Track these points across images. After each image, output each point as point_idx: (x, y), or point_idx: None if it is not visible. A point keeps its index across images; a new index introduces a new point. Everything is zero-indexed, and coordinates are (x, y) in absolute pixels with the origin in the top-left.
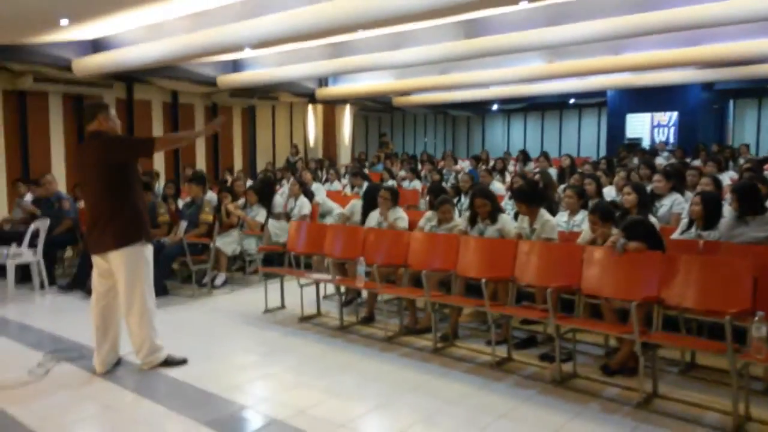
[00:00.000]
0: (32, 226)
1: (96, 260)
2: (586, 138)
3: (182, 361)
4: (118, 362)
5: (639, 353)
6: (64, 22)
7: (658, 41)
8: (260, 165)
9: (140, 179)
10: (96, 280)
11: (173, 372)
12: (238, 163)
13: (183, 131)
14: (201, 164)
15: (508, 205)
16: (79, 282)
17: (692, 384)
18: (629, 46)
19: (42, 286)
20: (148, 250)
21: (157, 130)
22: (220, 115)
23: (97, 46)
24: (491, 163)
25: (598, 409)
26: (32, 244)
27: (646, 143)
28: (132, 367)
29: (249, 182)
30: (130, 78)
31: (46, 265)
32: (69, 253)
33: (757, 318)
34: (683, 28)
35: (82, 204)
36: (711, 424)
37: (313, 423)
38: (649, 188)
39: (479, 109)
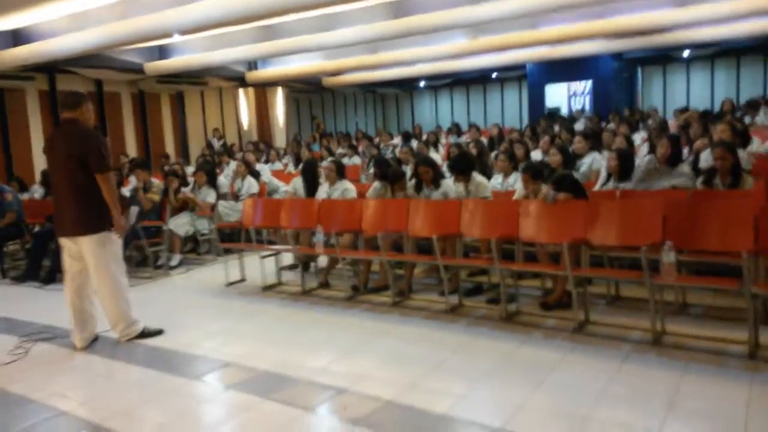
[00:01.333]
0: None
1: (65, 242)
2: (509, 109)
3: (158, 332)
4: (96, 338)
5: (572, 287)
6: None
7: (571, 16)
8: (192, 150)
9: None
10: (67, 262)
11: (152, 342)
12: (169, 149)
13: (113, 200)
14: (132, 151)
15: (447, 173)
16: (32, 272)
17: (618, 311)
18: (545, 21)
19: None
20: (115, 235)
21: None
22: (124, 222)
23: (17, 36)
24: (424, 137)
25: (541, 337)
26: None
27: (564, 111)
28: (110, 341)
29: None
30: (52, 69)
31: None
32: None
33: (666, 246)
34: (592, 3)
35: (36, 193)
36: (635, 340)
37: (295, 369)
38: (570, 149)
39: (407, 86)
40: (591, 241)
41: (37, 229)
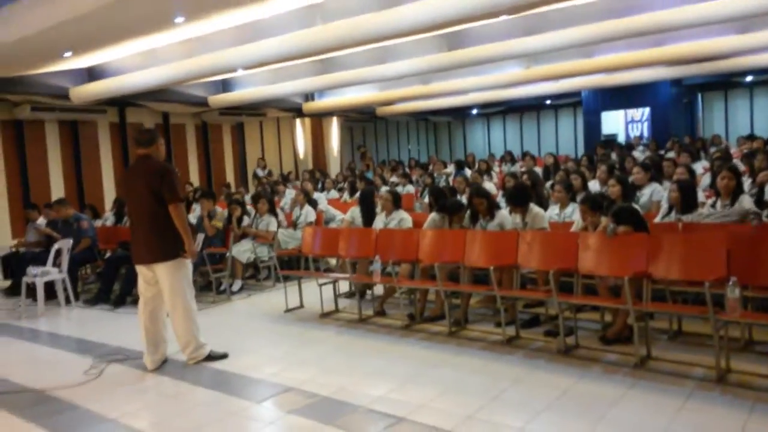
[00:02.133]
0: (55, 246)
1: (141, 269)
2: (564, 136)
3: (224, 356)
4: (165, 361)
5: (633, 321)
6: (67, 54)
7: (628, 43)
8: (251, 179)
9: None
10: (142, 286)
11: (217, 365)
12: (229, 178)
13: (184, 227)
14: (195, 179)
15: (502, 202)
16: (103, 296)
17: (680, 347)
18: (601, 49)
19: (68, 302)
20: (188, 261)
21: None
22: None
23: (92, 73)
24: (476, 166)
25: (601, 371)
26: (53, 264)
27: (621, 139)
28: (179, 363)
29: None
30: (122, 102)
31: (71, 282)
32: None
33: (731, 282)
34: (650, 32)
35: (107, 221)
36: (698, 378)
37: (354, 396)
38: (630, 180)
39: (459, 113)
40: (653, 274)
41: (108, 254)
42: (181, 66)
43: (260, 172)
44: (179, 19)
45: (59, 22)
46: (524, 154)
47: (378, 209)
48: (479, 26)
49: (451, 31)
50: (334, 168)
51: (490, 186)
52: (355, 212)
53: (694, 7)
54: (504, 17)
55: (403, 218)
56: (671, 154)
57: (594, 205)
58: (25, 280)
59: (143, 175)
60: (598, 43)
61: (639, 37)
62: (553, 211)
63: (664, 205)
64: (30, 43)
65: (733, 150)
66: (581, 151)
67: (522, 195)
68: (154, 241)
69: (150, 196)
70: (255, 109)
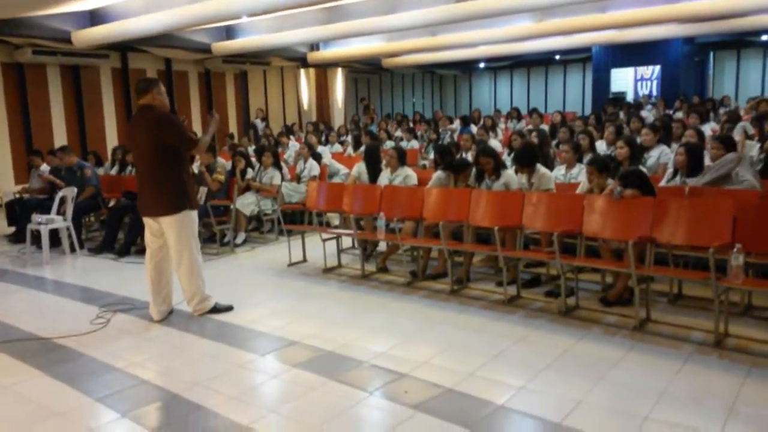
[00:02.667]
0: (59, 194)
1: (147, 221)
2: (572, 93)
3: (229, 308)
4: (171, 311)
5: (635, 285)
6: None
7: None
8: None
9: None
10: (149, 238)
11: (222, 317)
12: (232, 128)
13: (203, 136)
14: (197, 129)
15: (507, 160)
16: (108, 245)
17: (680, 310)
18: (614, 3)
19: (72, 250)
20: (194, 214)
21: None
22: (214, 113)
23: (95, 16)
24: (482, 122)
25: (600, 332)
26: (58, 211)
27: (630, 97)
28: (185, 314)
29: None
30: (125, 47)
31: (75, 230)
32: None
33: (735, 249)
34: None
35: (110, 170)
36: (696, 341)
37: (358, 351)
38: (638, 141)
39: (466, 67)
40: (657, 239)
41: (113, 203)
42: (185, 11)
43: (259, 124)
44: None
45: None
46: (531, 111)
47: (383, 165)
48: None
49: None
50: (338, 120)
51: (495, 143)
52: (361, 168)
53: None
54: None
55: (408, 175)
56: (679, 114)
57: (601, 167)
58: (30, 227)
59: (145, 127)
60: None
61: None
62: (560, 171)
63: (670, 168)
64: None
65: (743, 111)
66: (589, 108)
67: (529, 155)
68: (159, 194)
69: (153, 149)
70: (259, 57)
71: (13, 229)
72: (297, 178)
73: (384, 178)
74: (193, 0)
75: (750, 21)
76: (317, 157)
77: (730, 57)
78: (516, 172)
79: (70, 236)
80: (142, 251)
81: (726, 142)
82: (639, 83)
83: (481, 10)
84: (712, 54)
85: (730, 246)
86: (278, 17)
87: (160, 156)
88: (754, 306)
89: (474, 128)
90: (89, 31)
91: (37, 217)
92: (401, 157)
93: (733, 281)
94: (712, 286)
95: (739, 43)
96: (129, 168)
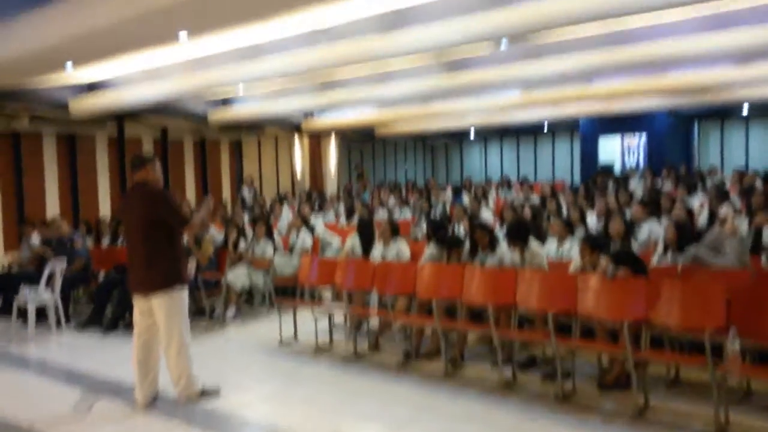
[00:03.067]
0: (48, 267)
1: (137, 300)
2: (560, 161)
3: (216, 391)
4: (157, 395)
5: (631, 370)
6: (68, 65)
7: (627, 72)
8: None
9: None
10: (137, 318)
11: (210, 402)
12: (226, 195)
13: (196, 217)
14: (190, 197)
15: (499, 232)
16: (95, 320)
17: (678, 396)
18: (600, 76)
19: (59, 325)
20: (185, 291)
21: None
22: (209, 197)
23: (93, 88)
24: (472, 190)
25: (599, 421)
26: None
27: (617, 166)
28: (170, 398)
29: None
30: (121, 116)
31: (62, 304)
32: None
33: (731, 334)
34: (648, 63)
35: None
36: (697, 430)
37: None
38: (628, 215)
39: (457, 136)
40: (652, 320)
41: (102, 276)
42: (182, 81)
43: (246, 193)
44: (182, 32)
45: (62, 40)
46: (521, 181)
47: (376, 237)
48: (479, 52)
49: (452, 56)
50: (331, 187)
51: (487, 214)
52: (354, 240)
53: (693, 40)
54: (503, 45)
55: (401, 249)
56: (667, 184)
57: (594, 244)
58: (16, 303)
59: (138, 202)
60: (597, 72)
61: (637, 67)
62: (552, 245)
63: (660, 246)
64: (31, 56)
65: (729, 184)
66: (578, 175)
67: (522, 231)
68: (151, 271)
69: (146, 225)
70: (254, 126)
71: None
72: (290, 250)
73: (377, 252)
74: (191, 71)
75: (732, 94)
76: (310, 229)
77: (714, 127)
78: (508, 245)
79: (57, 311)
80: (130, 326)
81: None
82: (626, 153)
83: (471, 83)
84: (696, 124)
85: (725, 329)
86: (273, 88)
87: (152, 232)
88: (753, 392)
89: (466, 198)
90: (87, 100)
91: (24, 292)
92: (394, 230)
93: (731, 368)
94: (709, 372)
95: (723, 113)
96: (120, 240)
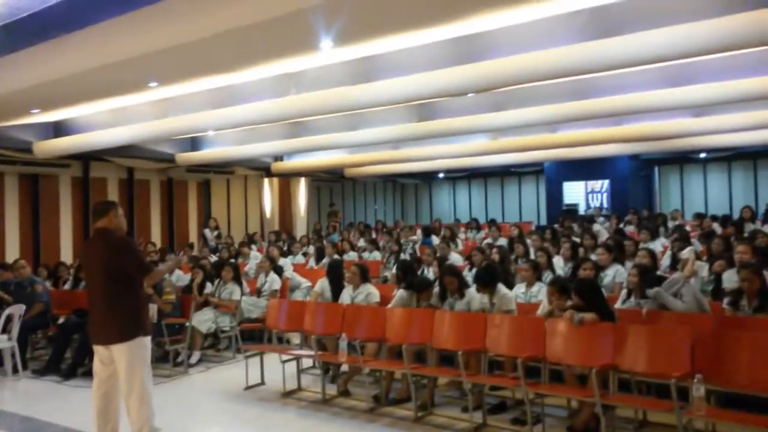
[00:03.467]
0: (5, 312)
1: (97, 349)
2: (527, 203)
3: None
4: None
5: (600, 414)
6: (35, 111)
7: (589, 121)
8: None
9: None
10: (98, 366)
11: None
12: (193, 237)
13: (160, 268)
14: (156, 238)
15: (468, 275)
16: (54, 366)
17: None
18: (564, 125)
19: (15, 371)
20: (147, 340)
21: None
22: (181, 255)
23: (58, 128)
24: (441, 232)
25: None
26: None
27: (582, 208)
28: None
29: (212, 257)
30: (87, 157)
31: (20, 350)
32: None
33: (696, 380)
34: (610, 114)
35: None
36: None
37: None
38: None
39: (426, 177)
40: (619, 366)
41: (62, 320)
42: (151, 125)
43: (208, 234)
44: (153, 84)
45: (29, 86)
46: (489, 223)
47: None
48: (449, 100)
49: (422, 103)
50: (300, 229)
51: (456, 257)
52: (324, 284)
53: (653, 93)
54: (471, 95)
55: (371, 293)
56: (630, 228)
57: (561, 288)
58: None
59: (101, 249)
60: (561, 122)
61: (599, 117)
62: (520, 289)
63: (624, 290)
64: None
65: (689, 227)
66: (544, 217)
67: (490, 276)
68: (111, 320)
69: (107, 273)
70: (223, 166)
71: None
72: (257, 292)
73: (346, 295)
74: (159, 115)
75: (690, 141)
76: (279, 271)
77: (674, 172)
78: (477, 290)
79: (13, 357)
80: (89, 373)
81: (757, 270)
82: (590, 195)
83: (440, 130)
84: (657, 169)
85: (691, 374)
86: (243, 130)
87: (114, 281)
88: None
89: (435, 239)
90: (52, 143)
91: None
92: (363, 274)
93: (696, 413)
94: (676, 416)
95: (682, 159)
96: (82, 283)
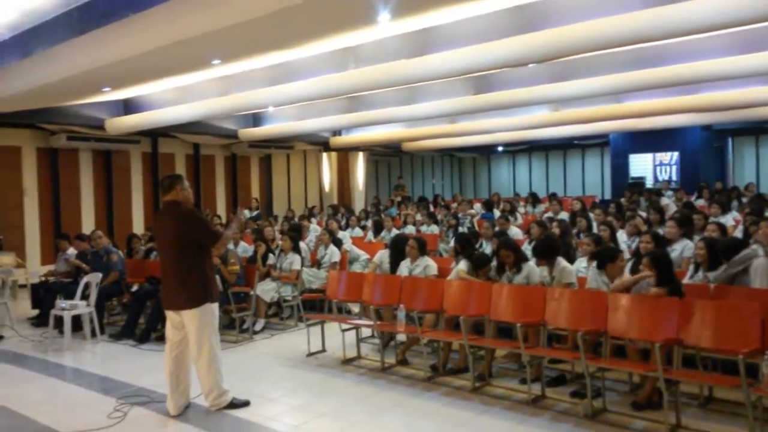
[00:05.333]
0: (84, 280)
1: (169, 314)
2: (590, 177)
3: (245, 404)
4: (188, 405)
5: (663, 389)
6: (106, 89)
7: (658, 90)
8: (276, 211)
9: None
10: (169, 331)
11: (240, 413)
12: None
13: (226, 232)
14: (221, 210)
15: (528, 249)
16: (129, 331)
17: (711, 416)
18: (630, 94)
19: (93, 335)
20: (215, 306)
21: None
22: (239, 210)
23: (128, 105)
24: (501, 206)
25: None
26: (81, 296)
27: (649, 181)
28: (201, 409)
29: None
30: (155, 133)
31: (97, 315)
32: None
33: (766, 356)
34: (679, 83)
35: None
36: None
37: None
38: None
39: (484, 150)
40: (684, 341)
41: (136, 287)
42: (214, 102)
43: (246, 214)
44: (216, 61)
45: (100, 65)
46: (550, 197)
47: None
48: (507, 71)
49: (479, 75)
50: (359, 202)
51: (515, 231)
52: (383, 256)
53: (724, 61)
54: (531, 65)
55: (428, 265)
56: (701, 202)
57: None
58: (53, 312)
59: (171, 222)
60: (627, 91)
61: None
62: (581, 263)
63: (692, 265)
64: (71, 80)
65: None
66: (608, 191)
67: (550, 248)
68: (182, 288)
69: (178, 244)
70: (283, 142)
71: (36, 311)
72: (317, 264)
73: (404, 268)
74: (222, 92)
75: (766, 110)
76: (338, 243)
77: (749, 143)
78: (537, 263)
79: (92, 321)
80: (162, 338)
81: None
82: (658, 168)
83: (498, 102)
84: (730, 140)
85: (760, 350)
86: (302, 106)
87: (184, 251)
88: None
89: (497, 213)
90: (122, 120)
91: (60, 303)
92: (422, 248)
93: (766, 390)
94: (743, 394)
95: (758, 129)
96: (153, 253)
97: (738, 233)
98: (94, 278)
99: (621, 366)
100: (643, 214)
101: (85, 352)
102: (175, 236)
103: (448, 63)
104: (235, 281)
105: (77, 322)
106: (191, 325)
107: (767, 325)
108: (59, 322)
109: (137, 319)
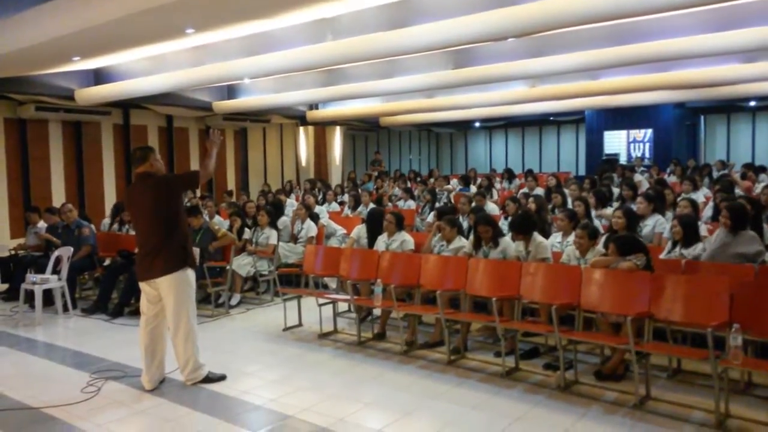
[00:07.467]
0: (55, 254)
1: (144, 287)
2: (566, 153)
3: (222, 378)
4: (163, 380)
5: (633, 361)
6: (76, 58)
7: (633, 67)
8: (252, 185)
9: (184, 209)
10: (145, 305)
11: (216, 387)
12: (231, 185)
13: (206, 160)
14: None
15: (504, 225)
16: (101, 305)
17: (679, 387)
18: (605, 72)
19: (65, 310)
20: (192, 275)
21: None
22: (213, 130)
23: (99, 75)
24: (478, 181)
25: (601, 411)
26: (53, 271)
27: (623, 158)
28: (177, 383)
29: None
30: (127, 104)
31: (69, 289)
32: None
33: (733, 329)
34: (654, 60)
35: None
36: (697, 421)
37: (355, 429)
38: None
39: (462, 126)
40: (655, 315)
41: (108, 261)
42: (188, 73)
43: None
44: (189, 30)
45: (71, 32)
46: (526, 173)
47: None
48: (486, 46)
49: (458, 49)
50: (335, 176)
51: (491, 206)
52: (360, 231)
53: (699, 38)
54: (510, 40)
55: (405, 240)
56: (673, 178)
57: (592, 234)
58: (24, 287)
59: (144, 191)
60: (603, 68)
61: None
62: (556, 239)
63: (669, 241)
64: (39, 48)
65: (738, 177)
66: (583, 167)
67: (526, 224)
68: (157, 255)
69: (153, 213)
70: (259, 115)
71: (6, 285)
72: (294, 239)
73: (381, 243)
74: (196, 62)
75: (738, 89)
76: (315, 218)
77: (720, 121)
78: (513, 239)
79: (63, 296)
80: (135, 312)
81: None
82: (632, 145)
83: (476, 77)
84: (702, 118)
85: (728, 325)
86: (278, 78)
87: (160, 220)
88: (754, 384)
89: (473, 188)
90: (93, 90)
91: (31, 277)
92: (399, 223)
93: (732, 362)
94: (711, 365)
95: (729, 107)
96: (126, 226)
97: (708, 210)
98: (66, 252)
99: (593, 339)
100: (616, 190)
101: (57, 327)
102: (152, 205)
103: (427, 36)
104: (212, 254)
105: (48, 297)
106: (168, 295)
107: (736, 299)
108: (30, 296)
109: (110, 294)
